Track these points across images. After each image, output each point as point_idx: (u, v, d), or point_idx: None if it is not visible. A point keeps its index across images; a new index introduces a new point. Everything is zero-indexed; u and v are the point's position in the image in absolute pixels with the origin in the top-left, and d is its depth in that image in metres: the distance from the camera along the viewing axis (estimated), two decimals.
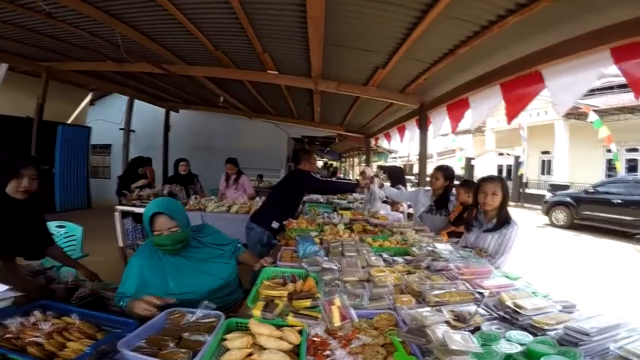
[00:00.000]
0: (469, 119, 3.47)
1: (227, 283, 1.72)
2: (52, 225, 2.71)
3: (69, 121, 8.60)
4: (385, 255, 1.91)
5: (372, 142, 8.50)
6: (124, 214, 4.33)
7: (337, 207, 3.98)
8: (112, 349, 1.06)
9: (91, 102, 9.61)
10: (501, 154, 20.11)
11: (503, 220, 2.14)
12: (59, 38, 4.26)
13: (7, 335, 1.06)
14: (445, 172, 3.17)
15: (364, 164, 10.46)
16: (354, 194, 4.62)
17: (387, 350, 1.02)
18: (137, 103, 8.42)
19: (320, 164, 15.77)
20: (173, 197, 4.38)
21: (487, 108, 3.01)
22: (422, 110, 4.46)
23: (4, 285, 1.29)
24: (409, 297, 1.30)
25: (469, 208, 2.53)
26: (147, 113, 9.02)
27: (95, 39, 4.09)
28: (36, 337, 1.06)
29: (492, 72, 2.87)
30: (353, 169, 20.37)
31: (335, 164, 20.59)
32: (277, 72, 4.59)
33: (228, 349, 1.02)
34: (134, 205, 4.26)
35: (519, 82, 2.53)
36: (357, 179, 3.26)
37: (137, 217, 4.46)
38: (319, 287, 1.43)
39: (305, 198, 4.42)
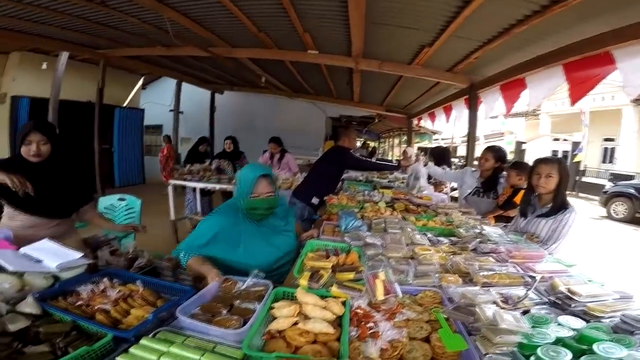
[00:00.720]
0: (524, 100, 3.27)
1: (288, 256, 1.75)
2: (114, 198, 2.98)
3: (125, 104, 9.22)
4: (429, 235, 1.87)
5: (415, 122, 8.22)
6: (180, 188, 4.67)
7: (377, 185, 3.95)
8: (170, 315, 1.13)
9: (143, 86, 10.21)
10: (556, 140, 18.52)
11: (559, 206, 2.00)
12: (113, 26, 4.52)
13: (79, 303, 1.15)
14: (496, 153, 3.00)
15: (405, 145, 10.20)
16: (395, 173, 4.55)
17: (431, 327, 1.02)
18: (185, 86, 8.84)
19: (358, 144, 15.61)
20: (221, 172, 4.70)
21: (547, 89, 2.84)
22: (471, 90, 4.23)
23: (78, 253, 1.42)
24: (456, 277, 1.27)
25: (521, 191, 2.39)
26: (194, 95, 9.46)
27: (145, 26, 4.30)
28: (104, 304, 1.14)
29: (554, 52, 2.69)
30: (392, 150, 19.89)
31: (373, 144, 20.20)
32: (317, 52, 4.56)
33: (275, 317, 1.07)
34: (185, 180, 4.57)
35: (585, 63, 2.37)
36: (397, 160, 3.21)
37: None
38: (362, 261, 1.45)
39: (344, 176, 4.45)
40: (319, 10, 3.21)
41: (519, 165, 2.84)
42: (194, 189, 4.86)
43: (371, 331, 0.99)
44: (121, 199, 2.95)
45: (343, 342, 0.94)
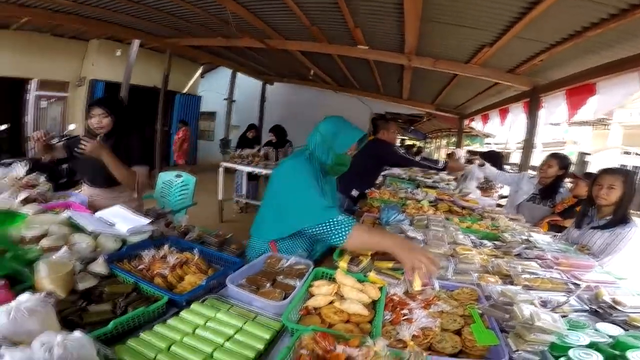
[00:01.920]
0: (590, 107, 3.06)
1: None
2: (172, 175, 3.24)
3: (184, 91, 9.89)
4: (472, 237, 1.82)
5: (465, 123, 7.90)
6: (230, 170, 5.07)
7: (421, 184, 3.87)
8: (219, 284, 1.21)
9: (201, 75, 10.87)
10: (627, 153, 16.61)
11: (620, 219, 1.86)
12: (180, 16, 4.85)
13: (141, 266, 1.23)
14: (561, 160, 2.85)
15: (453, 147, 9.82)
16: (440, 173, 4.43)
17: (464, 321, 1.03)
18: (239, 76, 9.27)
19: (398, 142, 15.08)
20: (267, 158, 5.02)
21: (619, 96, 2.65)
22: (534, 93, 4.00)
23: (147, 219, 1.57)
24: (496, 278, 1.26)
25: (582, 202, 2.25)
26: (247, 85, 9.91)
27: (209, 17, 4.56)
28: (163, 269, 1.21)
29: (633, 57, 2.50)
30: (439, 151, 19.15)
31: (419, 143, 19.62)
32: (367, 47, 4.54)
33: (313, 295, 1.13)
34: (235, 163, 4.95)
35: None
36: (445, 161, 3.11)
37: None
38: None
39: (386, 172, 4.43)
40: (372, 6, 3.21)
41: (591, 176, 2.69)
42: (247, 176, 5.25)
43: (405, 317, 1.02)
44: (178, 176, 3.20)
45: (376, 324, 0.98)
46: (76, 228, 1.39)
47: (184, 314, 1.01)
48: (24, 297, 0.81)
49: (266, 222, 1.57)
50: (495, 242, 1.83)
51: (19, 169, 1.94)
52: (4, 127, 5.24)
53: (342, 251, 1.41)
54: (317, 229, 1.33)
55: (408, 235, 1.60)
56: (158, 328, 0.94)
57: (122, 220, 1.51)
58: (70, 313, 0.93)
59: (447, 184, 4.04)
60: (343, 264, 1.24)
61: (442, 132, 16.08)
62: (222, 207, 5.06)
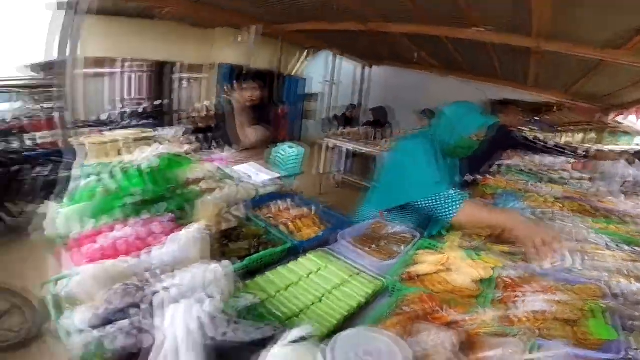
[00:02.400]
0: None
1: None
2: (285, 146, 3.61)
3: (292, 74, 10.60)
4: (607, 239, 1.53)
5: (611, 117, 6.57)
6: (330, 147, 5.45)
7: (544, 178, 3.35)
8: (327, 240, 1.31)
9: (306, 58, 11.46)
10: None
11: None
12: (289, 3, 5.09)
13: (268, 215, 1.45)
14: None
15: (590, 144, 8.30)
16: (572, 171, 3.79)
17: (582, 315, 0.94)
18: (340, 59, 9.53)
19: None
20: (367, 137, 5.25)
21: None
22: None
23: (275, 173, 1.82)
24: (631, 281, 1.10)
25: None
26: (348, 68, 10.18)
27: (315, 2, 4.69)
28: (285, 219, 1.39)
29: None
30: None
31: (543, 137, 16.93)
32: (483, 29, 4.06)
33: (417, 263, 1.14)
34: (337, 140, 5.34)
35: None
36: (586, 151, 2.60)
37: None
38: None
39: (501, 162, 4.00)
40: None
41: None
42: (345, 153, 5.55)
43: (516, 299, 0.98)
44: (290, 147, 3.57)
45: (486, 298, 0.98)
46: (224, 176, 1.70)
47: (301, 260, 1.17)
48: (192, 228, 1.00)
49: (379, 193, 1.67)
50: (637, 248, 1.54)
51: (177, 131, 2.44)
52: (159, 102, 6.49)
53: (453, 227, 1.40)
54: (424, 204, 1.37)
55: None
56: (280, 269, 1.11)
57: (258, 173, 1.81)
58: (215, 248, 1.09)
59: (578, 182, 3.38)
60: (455, 237, 1.24)
61: (576, 125, 13.53)
62: (322, 180, 5.41)
